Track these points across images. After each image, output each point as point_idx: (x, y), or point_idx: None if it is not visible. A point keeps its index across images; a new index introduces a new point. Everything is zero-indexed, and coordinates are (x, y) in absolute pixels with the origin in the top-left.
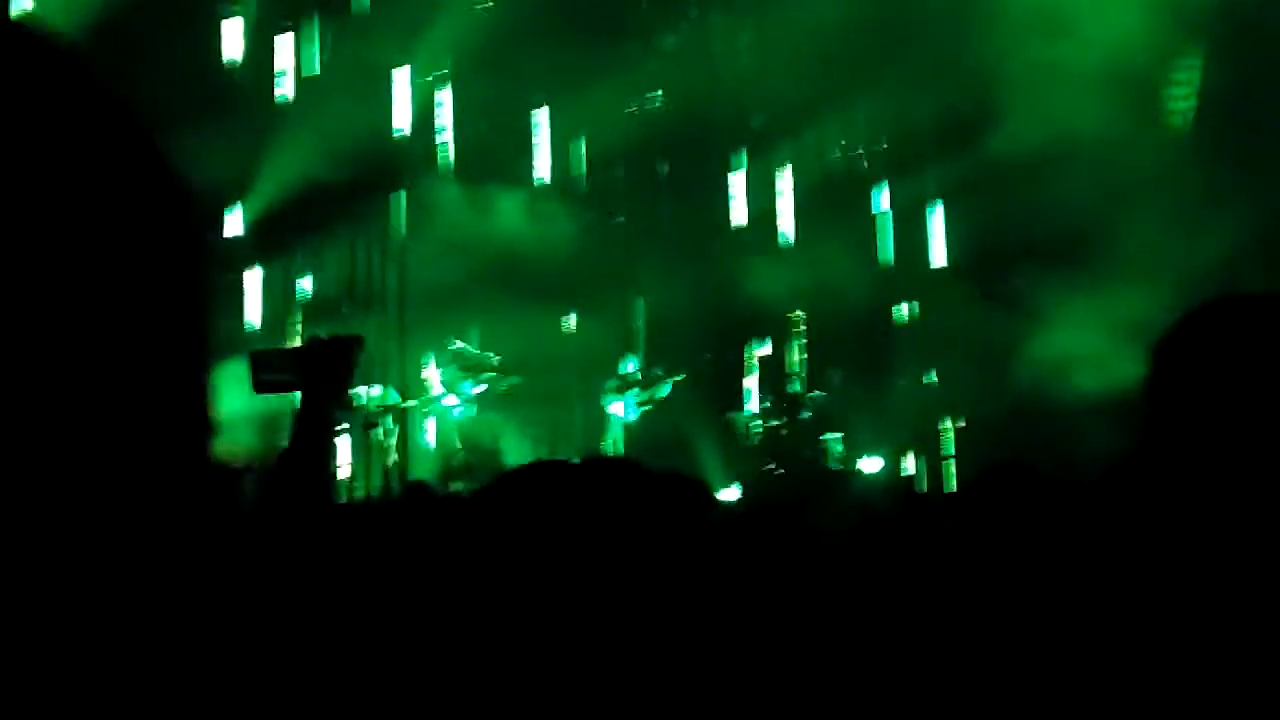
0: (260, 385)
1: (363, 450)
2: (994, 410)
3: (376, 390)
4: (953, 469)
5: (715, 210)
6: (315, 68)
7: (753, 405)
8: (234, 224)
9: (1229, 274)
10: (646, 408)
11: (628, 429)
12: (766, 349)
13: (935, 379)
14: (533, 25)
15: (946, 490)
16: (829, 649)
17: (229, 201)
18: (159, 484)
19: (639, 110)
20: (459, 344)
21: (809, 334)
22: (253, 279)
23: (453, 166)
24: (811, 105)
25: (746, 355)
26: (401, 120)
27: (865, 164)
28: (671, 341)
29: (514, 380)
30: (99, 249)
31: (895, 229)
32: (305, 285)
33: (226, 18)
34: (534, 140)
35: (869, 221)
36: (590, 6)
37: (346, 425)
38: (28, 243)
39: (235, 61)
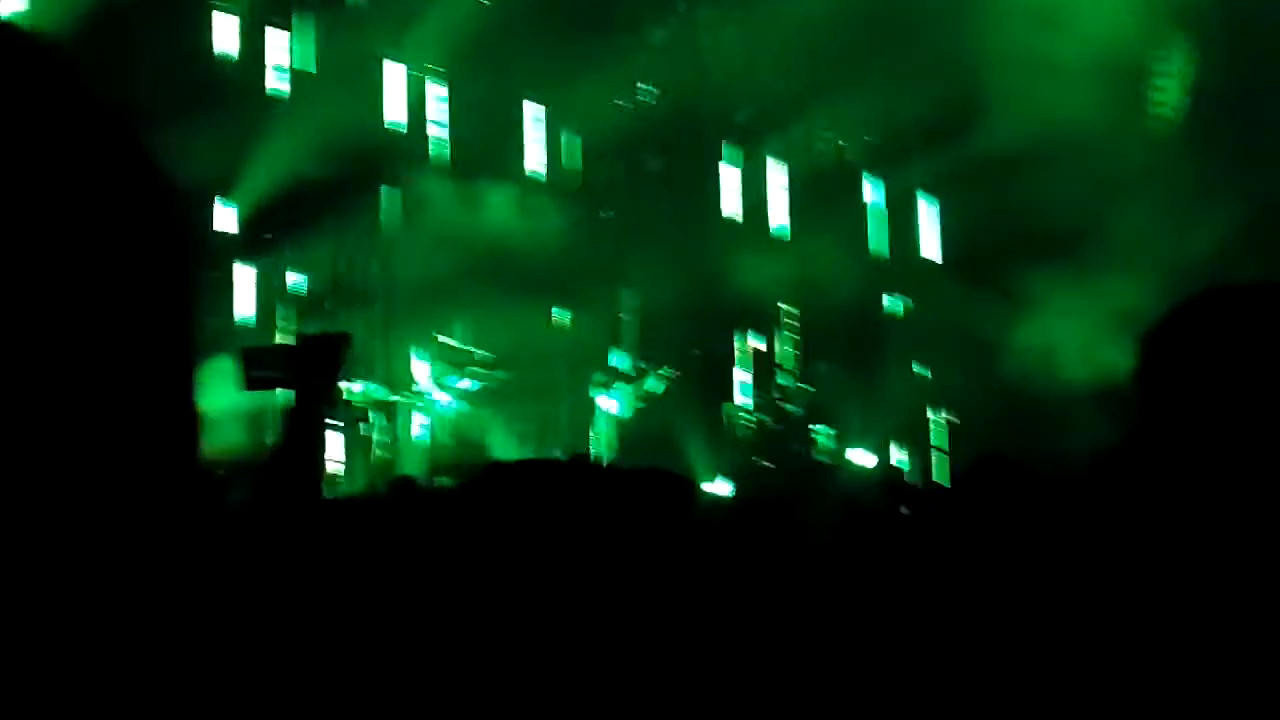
0: (250, 382)
1: (351, 446)
2: (984, 402)
3: (363, 386)
4: (945, 462)
5: (705, 204)
6: (307, 63)
7: (743, 399)
8: (224, 219)
9: (1218, 265)
10: (636, 402)
11: (617, 423)
12: (757, 343)
13: (925, 372)
14: (523, 20)
15: (937, 483)
16: (817, 643)
17: (218, 197)
18: (145, 483)
19: (629, 104)
20: (447, 339)
21: (799, 327)
22: (242, 274)
23: (443, 161)
24: (801, 98)
25: (737, 349)
26: (392, 115)
27: (855, 157)
28: (661, 336)
29: (502, 375)
30: (83, 248)
31: (886, 222)
32: (294, 280)
33: (218, 12)
34: (524, 135)
35: (859, 214)
36: (580, 1)
37: (335, 421)
38: (11, 242)
39: (227, 56)
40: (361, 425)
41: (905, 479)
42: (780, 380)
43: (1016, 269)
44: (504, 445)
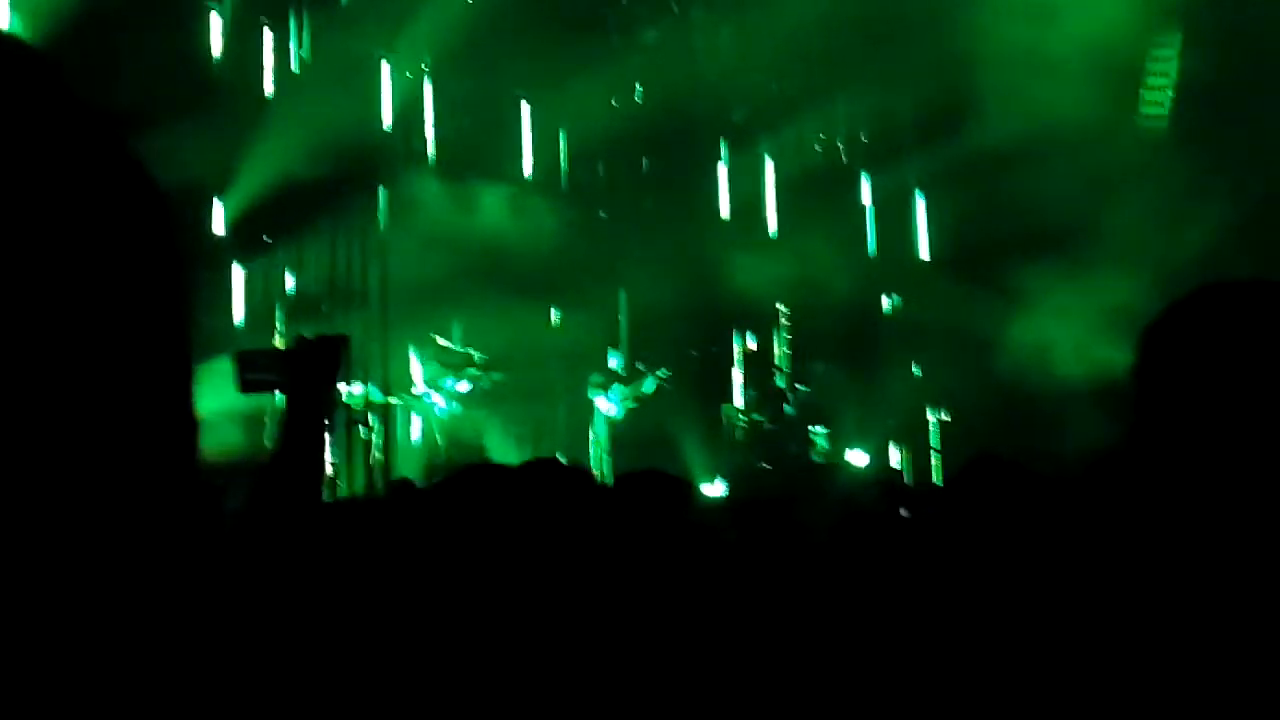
0: (246, 385)
1: (347, 449)
2: (980, 401)
3: (360, 388)
4: (940, 462)
5: (699, 204)
6: (297, 64)
7: (739, 400)
8: (218, 220)
9: (1212, 262)
10: (631, 403)
11: (613, 424)
12: (752, 343)
13: (920, 371)
14: (517, 20)
15: (933, 483)
16: (813, 643)
17: (212, 198)
18: (142, 488)
19: (623, 105)
20: (443, 341)
21: (794, 327)
22: (236, 276)
23: (435, 162)
24: (794, 98)
25: (732, 349)
26: (386, 116)
27: (848, 157)
28: (656, 336)
29: (497, 376)
30: (75, 256)
31: (880, 221)
32: (288, 282)
33: (208, 12)
34: (519, 135)
35: (854, 214)
36: (571, 1)
37: (329, 424)
38: (3, 251)
39: (218, 57)
40: (361, 429)
41: (902, 479)
42: (776, 381)
43: (1011, 266)
44: (501, 447)
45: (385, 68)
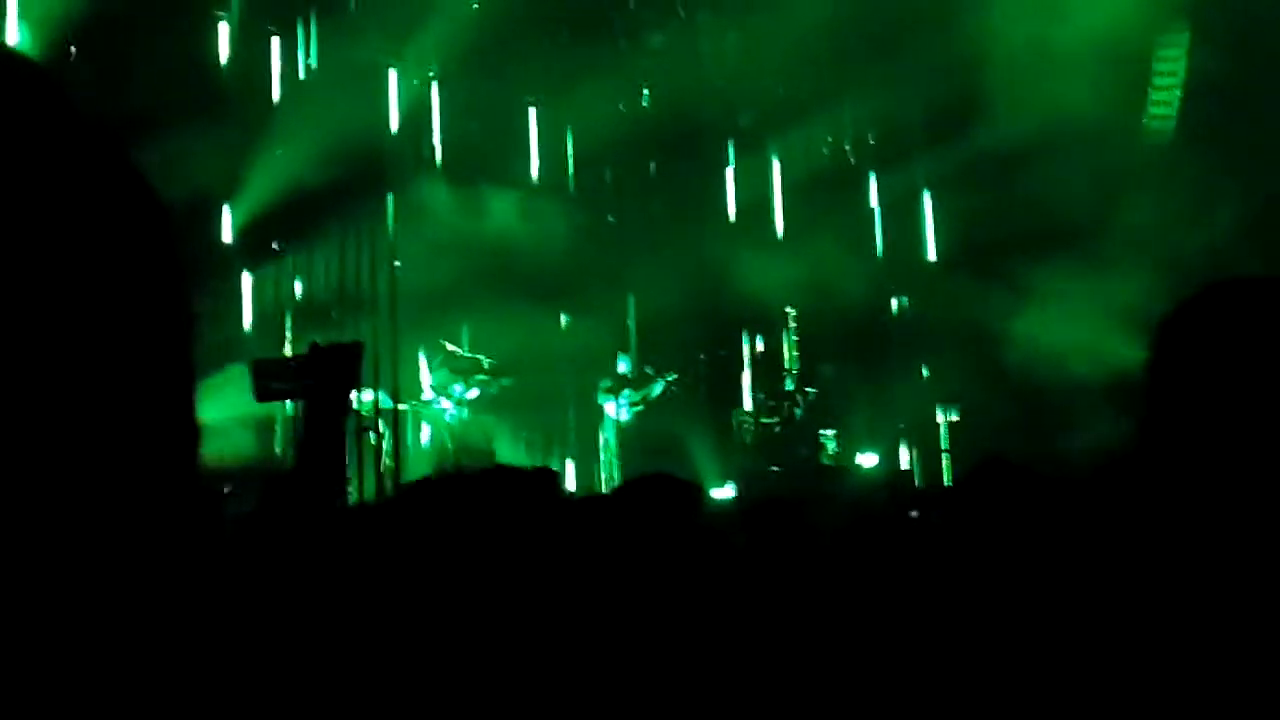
0: (263, 392)
1: (357, 455)
2: (990, 402)
3: (369, 395)
4: (950, 463)
5: (707, 207)
6: (304, 70)
7: (748, 402)
8: (225, 228)
9: (1222, 260)
10: (640, 407)
11: (622, 429)
12: (761, 346)
13: (930, 372)
14: (524, 25)
15: (943, 484)
16: (821, 646)
17: (220, 206)
18: (141, 492)
19: (629, 109)
20: (451, 347)
21: (803, 330)
22: (245, 283)
23: (443, 167)
24: (802, 100)
25: (740, 352)
26: (392, 121)
27: (855, 158)
28: (665, 340)
29: (506, 382)
30: (73, 266)
31: (888, 222)
32: (296, 289)
33: (216, 21)
34: (527, 140)
35: (862, 215)
36: (579, 6)
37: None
38: (7, 257)
39: (225, 64)
40: (371, 435)
41: (912, 481)
42: (785, 383)
43: (1020, 266)
44: (510, 452)
45: (393, 73)
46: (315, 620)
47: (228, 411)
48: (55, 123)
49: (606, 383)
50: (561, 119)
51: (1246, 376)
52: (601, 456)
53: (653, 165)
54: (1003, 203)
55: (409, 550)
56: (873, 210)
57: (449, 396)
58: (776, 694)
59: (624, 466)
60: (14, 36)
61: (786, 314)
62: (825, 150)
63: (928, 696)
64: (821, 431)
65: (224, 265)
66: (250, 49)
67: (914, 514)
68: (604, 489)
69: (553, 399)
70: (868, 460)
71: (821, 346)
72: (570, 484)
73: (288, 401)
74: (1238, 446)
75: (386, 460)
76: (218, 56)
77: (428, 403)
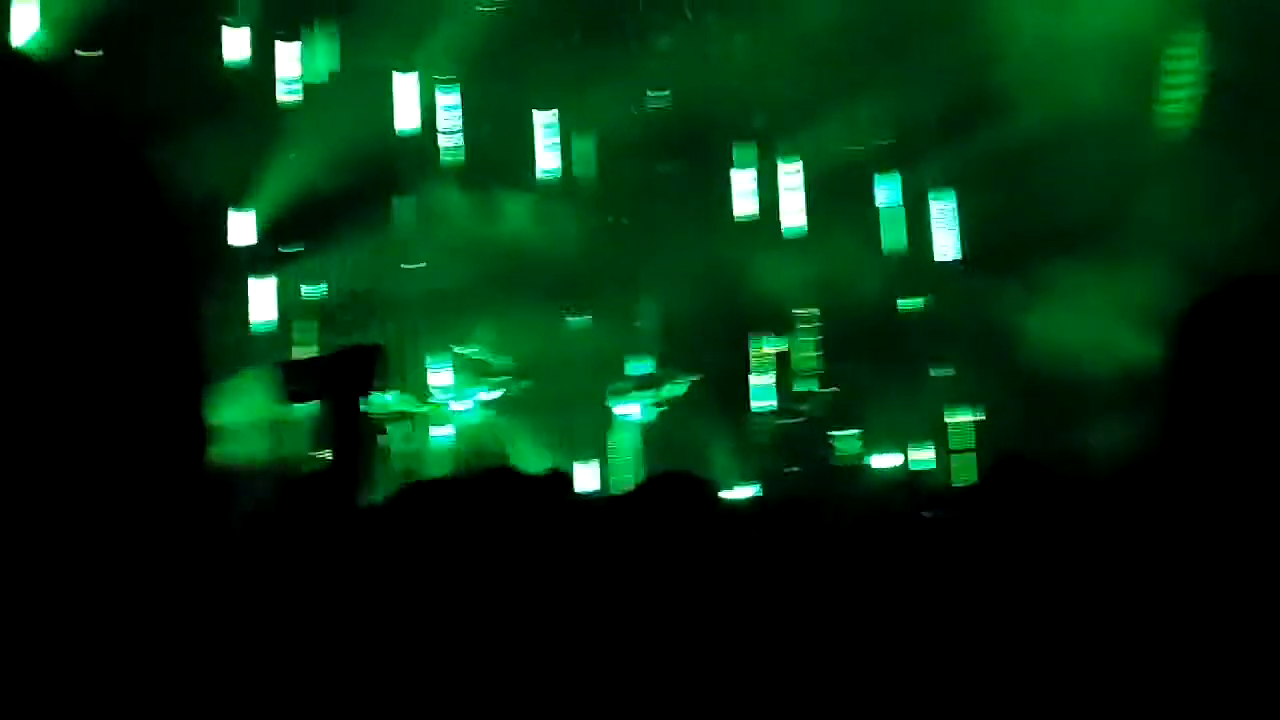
0: (283, 395)
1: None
2: (1009, 401)
3: (386, 397)
4: (969, 461)
5: (722, 208)
6: (319, 73)
7: (764, 403)
8: (241, 230)
9: (1241, 255)
10: (657, 409)
11: (638, 430)
12: (777, 346)
13: (947, 370)
14: (534, 27)
15: (961, 485)
16: (834, 644)
17: (235, 207)
18: (152, 492)
19: (641, 110)
20: (465, 349)
21: (820, 329)
22: (260, 285)
23: (456, 169)
24: (817, 98)
25: (756, 352)
26: (404, 124)
27: (870, 156)
28: (680, 341)
29: (521, 384)
30: (90, 264)
31: (903, 220)
32: (309, 291)
33: (232, 24)
34: (539, 142)
35: (876, 214)
36: (592, 7)
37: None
38: (20, 258)
39: (242, 67)
40: (381, 437)
41: (929, 480)
42: (801, 384)
43: (1036, 264)
44: (525, 454)
45: (403, 76)
46: (327, 619)
47: (242, 414)
48: (74, 122)
49: (623, 384)
50: (571, 120)
51: (1268, 373)
52: (618, 458)
53: (666, 166)
54: (1018, 201)
55: (416, 552)
56: (887, 208)
57: (465, 399)
58: (791, 691)
59: (641, 468)
60: (31, 39)
61: (802, 313)
62: (842, 148)
63: (939, 695)
64: (839, 431)
65: (236, 268)
66: (265, 52)
67: (931, 514)
68: (620, 491)
69: (568, 401)
70: (886, 460)
71: (838, 346)
72: (586, 486)
73: (303, 403)
74: (1258, 445)
75: (401, 463)
76: (234, 60)
77: (442, 405)
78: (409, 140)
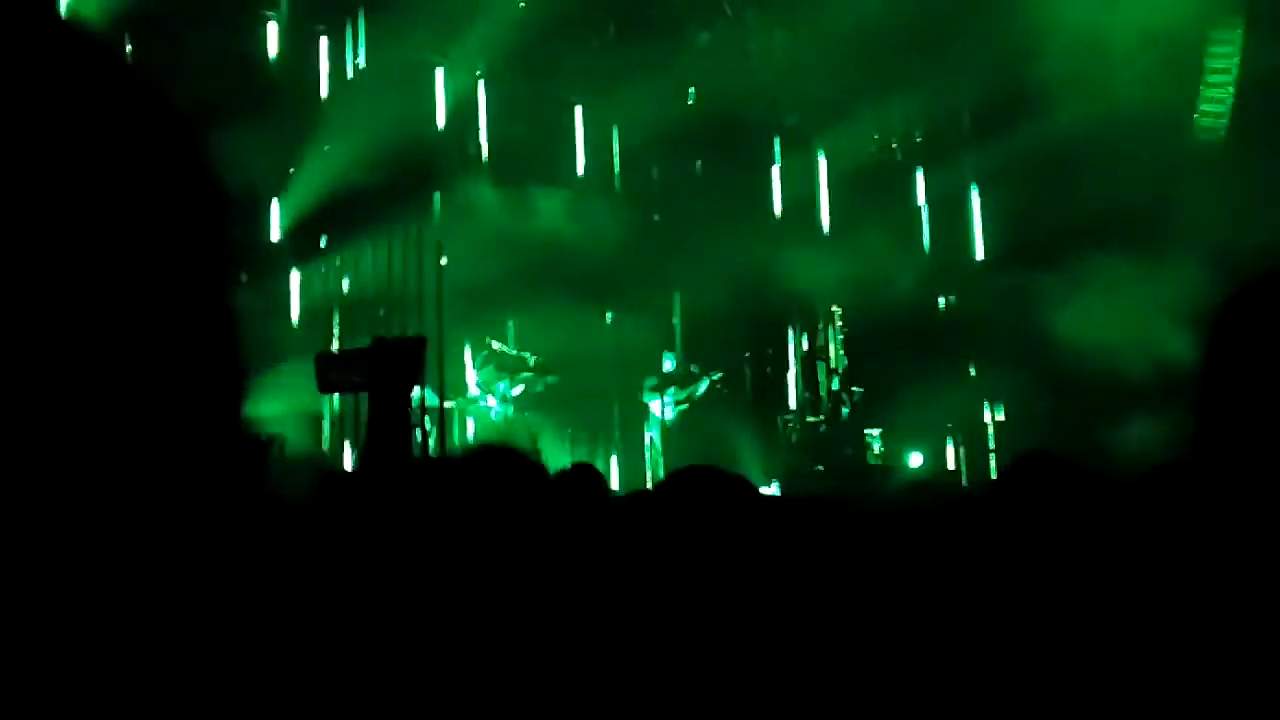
0: (327, 385)
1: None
2: (1039, 401)
3: (417, 391)
4: (996, 462)
5: (753, 205)
6: (357, 67)
7: (793, 401)
8: (273, 225)
9: (1277, 255)
10: (685, 406)
11: (667, 427)
12: (807, 344)
13: (977, 369)
14: (568, 25)
15: (985, 482)
16: (858, 643)
17: (268, 203)
18: (187, 478)
19: (674, 107)
20: (497, 344)
21: (849, 328)
22: (293, 280)
23: (490, 166)
24: (849, 97)
25: (786, 350)
26: (439, 120)
27: (903, 154)
28: (710, 338)
29: (551, 380)
30: (132, 247)
31: (935, 219)
32: (344, 285)
33: (265, 19)
34: (573, 138)
35: (909, 212)
36: (627, 4)
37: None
38: (62, 240)
39: (273, 62)
40: (418, 431)
41: (958, 480)
42: (831, 382)
43: (1071, 260)
44: (555, 450)
45: (439, 72)
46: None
47: (279, 406)
48: (121, 98)
49: (652, 381)
50: (607, 117)
51: None
52: (646, 455)
53: (698, 163)
54: (1052, 199)
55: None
56: (920, 207)
57: (494, 394)
58: (820, 690)
59: (668, 465)
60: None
61: (832, 312)
62: (873, 147)
63: (960, 698)
64: (867, 430)
65: (271, 262)
66: (297, 48)
67: (950, 512)
68: (648, 486)
69: (597, 397)
70: (914, 459)
71: (868, 344)
72: (614, 481)
73: (337, 395)
74: None
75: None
76: (266, 55)
77: (473, 400)
78: (444, 135)
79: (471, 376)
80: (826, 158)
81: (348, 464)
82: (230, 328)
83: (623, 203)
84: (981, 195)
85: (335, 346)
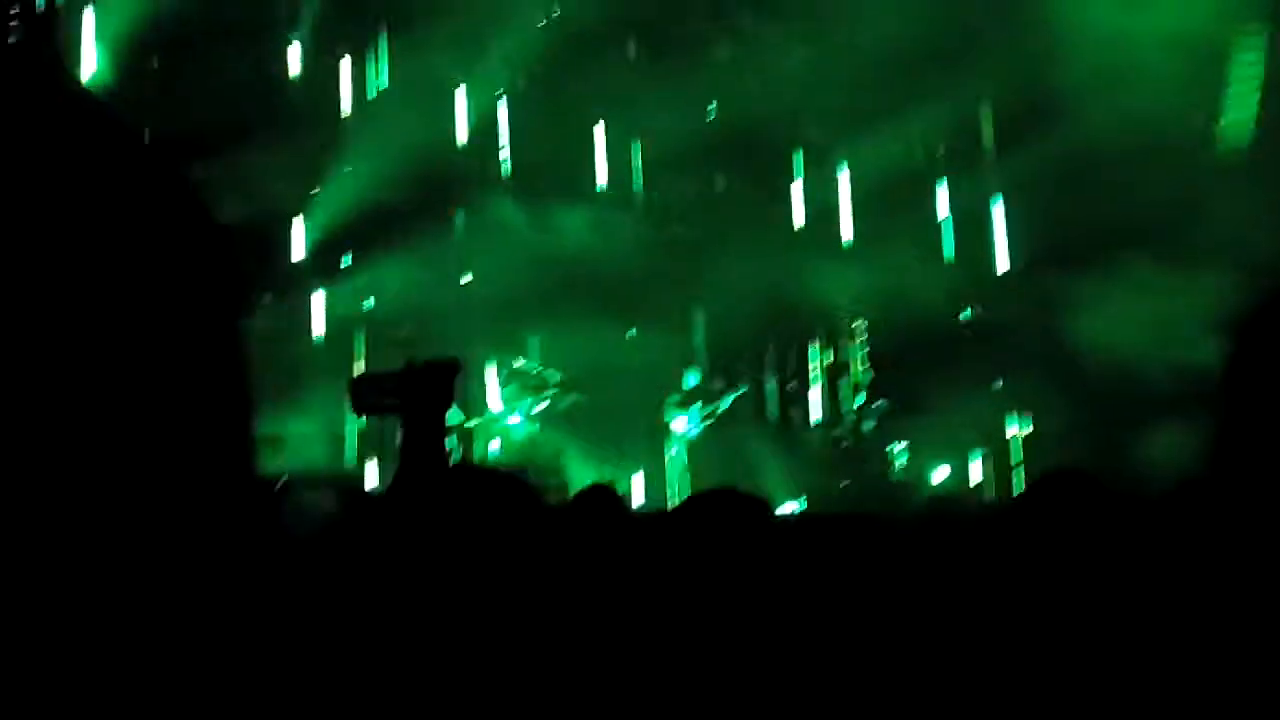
0: (362, 408)
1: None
2: (1066, 415)
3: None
4: (1022, 477)
5: (775, 220)
6: (378, 86)
7: (817, 416)
8: (296, 245)
9: None
10: (709, 421)
11: (690, 443)
12: (830, 359)
13: (1003, 383)
14: (588, 41)
15: (1008, 498)
16: (879, 660)
17: (290, 223)
18: (201, 498)
19: (695, 122)
20: (519, 362)
21: (873, 342)
22: (316, 299)
23: (511, 183)
24: (870, 110)
25: (810, 365)
26: (460, 138)
27: (926, 166)
28: (733, 353)
29: (575, 397)
30: (143, 288)
31: (959, 231)
32: (366, 303)
33: (287, 41)
34: (594, 154)
35: (932, 225)
36: (645, 19)
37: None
38: (81, 285)
39: (296, 83)
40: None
41: (981, 495)
42: (856, 397)
43: (1095, 272)
44: (578, 468)
45: (461, 90)
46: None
47: (303, 425)
48: (124, 155)
49: (675, 397)
50: (629, 132)
51: None
52: (669, 471)
53: (720, 178)
54: (1077, 208)
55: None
56: (943, 219)
57: (517, 412)
58: (839, 708)
59: (692, 481)
60: (90, 56)
61: (855, 326)
62: (895, 159)
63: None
64: (891, 445)
65: (294, 281)
66: (321, 69)
67: (975, 527)
68: (670, 505)
69: (621, 414)
70: (939, 474)
71: (892, 359)
72: (636, 500)
73: (383, 415)
74: None
75: None
76: (289, 76)
77: (496, 417)
78: (465, 153)
79: (494, 394)
80: (849, 170)
81: (370, 483)
82: (239, 364)
83: (644, 219)
84: (1006, 205)
85: (359, 366)
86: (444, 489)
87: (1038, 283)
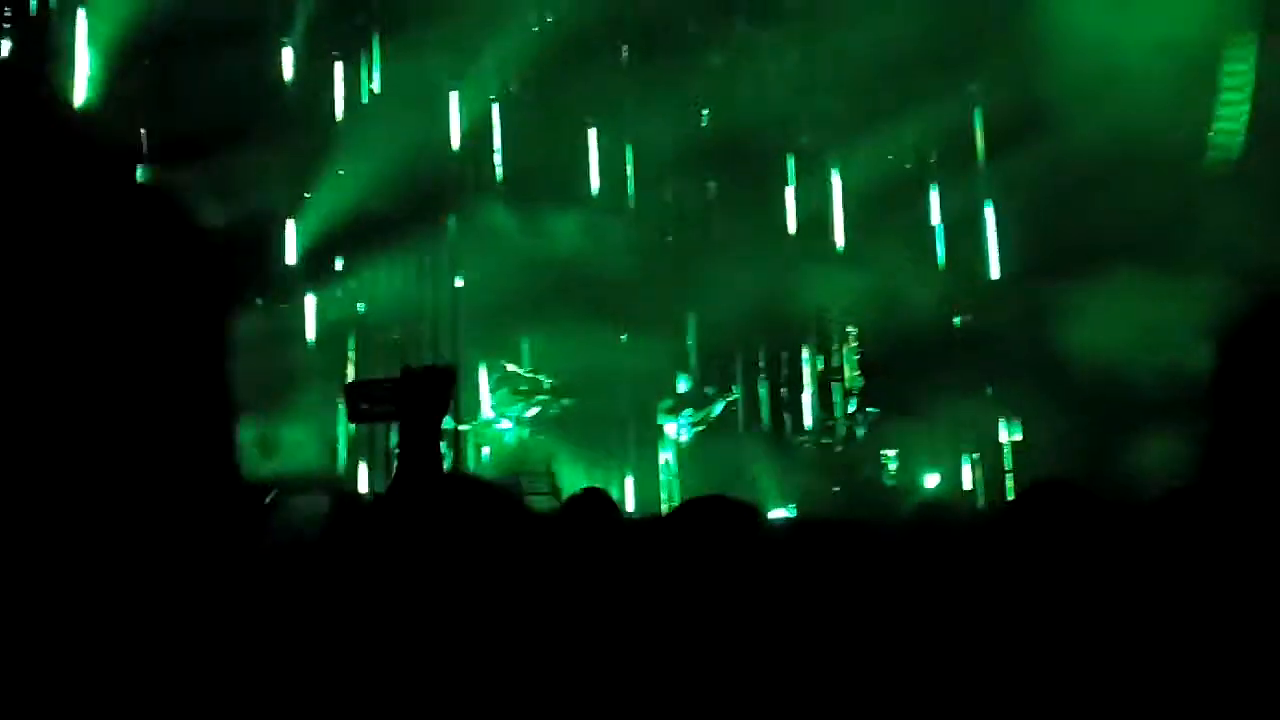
0: (357, 415)
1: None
2: (1056, 421)
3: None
4: (1013, 483)
5: (767, 225)
6: (370, 91)
7: (807, 421)
8: (289, 248)
9: None
10: (700, 427)
11: (682, 449)
12: (821, 365)
13: (994, 389)
14: (582, 46)
15: (997, 506)
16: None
17: (284, 226)
18: (183, 503)
19: (688, 127)
20: (511, 367)
21: (864, 348)
22: (309, 303)
23: (504, 188)
24: (863, 116)
25: (802, 371)
26: (453, 142)
27: (918, 173)
28: (725, 358)
29: (567, 402)
30: (122, 293)
31: (951, 237)
32: (358, 309)
33: (280, 45)
34: (587, 159)
35: (924, 231)
36: (638, 25)
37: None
38: (60, 292)
39: (289, 87)
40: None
41: (973, 502)
42: (847, 403)
43: (1086, 278)
44: (569, 473)
45: (454, 95)
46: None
47: (295, 430)
48: (110, 174)
49: (667, 403)
50: (621, 137)
51: None
52: (661, 477)
53: (712, 183)
54: (1069, 215)
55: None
56: (935, 225)
57: (509, 416)
58: (826, 713)
59: (684, 486)
60: (83, 60)
61: (848, 332)
62: (887, 166)
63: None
64: (883, 451)
65: (286, 286)
66: (314, 73)
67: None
68: (662, 511)
69: (613, 419)
70: (930, 481)
71: (884, 365)
72: (628, 505)
73: (378, 422)
74: None
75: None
76: (282, 80)
77: (488, 422)
78: (458, 157)
79: (486, 399)
80: (841, 176)
81: (362, 486)
82: (221, 368)
83: (637, 224)
84: (997, 212)
85: (351, 370)
86: (440, 496)
87: (1029, 289)
